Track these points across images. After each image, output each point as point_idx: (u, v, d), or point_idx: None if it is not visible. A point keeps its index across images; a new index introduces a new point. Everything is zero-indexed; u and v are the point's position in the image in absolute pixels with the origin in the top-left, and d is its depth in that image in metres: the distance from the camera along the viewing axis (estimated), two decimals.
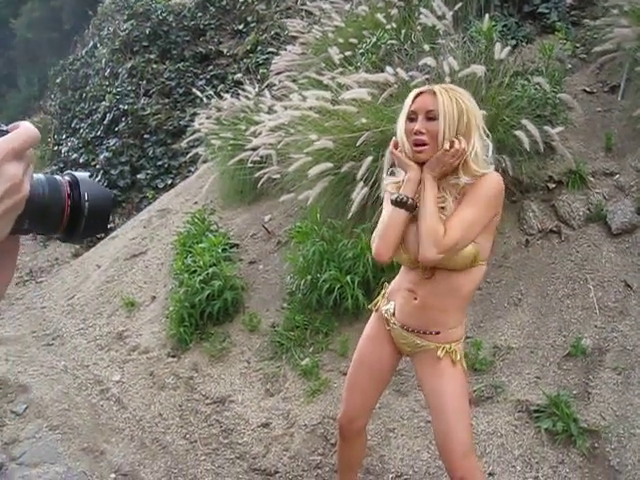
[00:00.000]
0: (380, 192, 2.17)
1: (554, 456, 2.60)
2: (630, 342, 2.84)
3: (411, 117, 1.83)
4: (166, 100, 8.38)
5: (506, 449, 2.67)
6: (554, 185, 3.64)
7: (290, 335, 3.60)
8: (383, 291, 2.12)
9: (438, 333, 1.93)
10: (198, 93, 6.06)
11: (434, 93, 1.81)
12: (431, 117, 1.79)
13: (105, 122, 8.58)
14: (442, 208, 1.82)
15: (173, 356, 4.09)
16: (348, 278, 3.36)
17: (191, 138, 5.77)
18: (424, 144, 1.80)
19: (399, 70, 3.65)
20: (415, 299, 1.92)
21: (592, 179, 3.60)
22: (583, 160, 3.65)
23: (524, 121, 3.35)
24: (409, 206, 1.81)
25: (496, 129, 3.51)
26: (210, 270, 4.03)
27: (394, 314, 1.99)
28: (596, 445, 2.57)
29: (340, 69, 4.34)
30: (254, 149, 4.14)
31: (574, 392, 2.75)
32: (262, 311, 3.97)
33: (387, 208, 1.91)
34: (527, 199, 3.60)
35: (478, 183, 1.80)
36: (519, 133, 3.35)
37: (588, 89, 4.30)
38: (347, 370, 3.29)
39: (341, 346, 3.42)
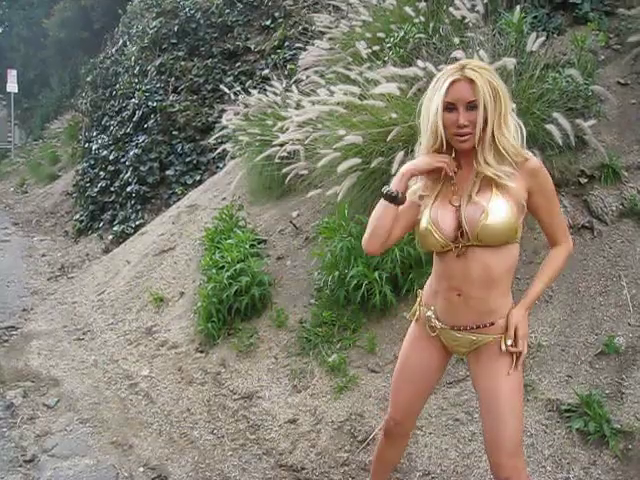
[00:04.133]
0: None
1: (586, 457, 2.55)
2: None
3: (448, 107, 1.78)
4: (194, 97, 8.42)
5: (536, 449, 2.62)
6: (586, 180, 3.56)
7: (317, 331, 3.60)
8: (418, 299, 2.07)
9: (492, 324, 1.88)
10: (225, 89, 6.07)
11: (471, 81, 1.75)
12: (471, 107, 1.76)
13: (134, 119, 8.67)
14: (470, 197, 1.82)
15: (201, 351, 4.12)
16: (376, 274, 3.34)
17: (219, 134, 5.80)
18: (469, 133, 1.78)
19: (428, 64, 3.61)
20: (459, 295, 1.86)
21: (626, 173, 3.51)
22: (616, 154, 3.56)
23: (555, 114, 3.29)
24: (399, 200, 1.85)
25: (527, 123, 3.44)
26: (238, 266, 4.05)
27: (438, 318, 1.94)
28: (630, 447, 2.51)
29: (368, 64, 4.30)
30: (282, 145, 4.14)
31: (607, 392, 2.68)
32: (290, 307, 3.98)
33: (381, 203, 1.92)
34: (558, 194, 3.47)
35: (536, 173, 1.82)
36: (550, 127, 3.28)
37: (622, 81, 4.19)
38: (374, 367, 3.33)
39: (369, 342, 3.40)
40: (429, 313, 1.96)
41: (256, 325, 4.02)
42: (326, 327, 3.58)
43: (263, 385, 3.59)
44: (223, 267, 4.17)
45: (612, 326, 2.90)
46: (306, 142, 3.88)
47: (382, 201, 1.86)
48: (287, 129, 4.10)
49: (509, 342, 1.86)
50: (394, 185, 1.85)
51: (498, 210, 1.77)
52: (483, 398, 1.94)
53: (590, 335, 2.91)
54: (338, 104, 3.73)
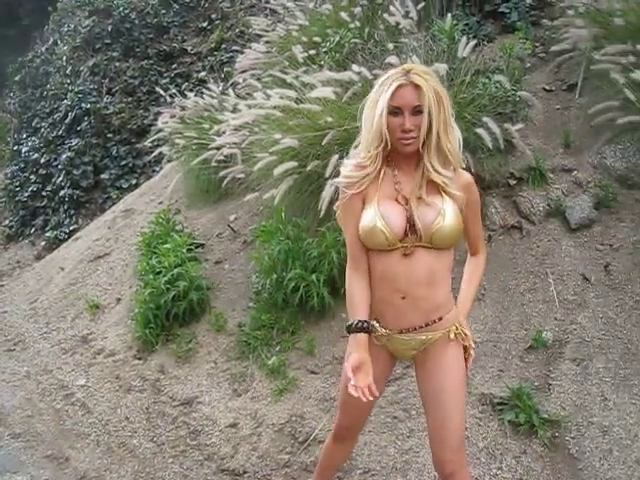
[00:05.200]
0: None
1: (517, 447, 2.66)
2: (588, 334, 2.92)
3: (394, 111, 1.79)
4: (129, 99, 8.23)
5: (471, 442, 2.71)
6: (515, 182, 3.70)
7: (257, 334, 3.60)
8: None
9: (441, 318, 1.91)
10: (161, 92, 5.98)
11: (417, 86, 1.77)
12: (416, 111, 1.78)
13: (67, 121, 8.38)
14: (420, 199, 1.85)
15: (139, 358, 4.04)
16: (314, 277, 3.37)
17: (155, 137, 5.70)
18: (413, 138, 1.81)
19: (363, 69, 3.67)
20: (403, 298, 1.87)
21: (551, 175, 3.68)
22: (543, 157, 3.73)
23: (485, 119, 3.41)
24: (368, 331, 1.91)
25: (459, 127, 3.55)
26: (175, 271, 3.99)
27: (384, 326, 1.94)
28: (556, 434, 2.64)
29: (304, 68, 4.34)
30: (218, 148, 4.12)
31: (536, 384, 2.81)
32: (228, 311, 3.95)
33: (350, 226, 1.93)
34: (489, 195, 3.66)
35: (470, 187, 1.91)
36: (480, 131, 3.40)
37: (547, 87, 4.38)
38: (314, 368, 3.37)
39: (308, 344, 3.42)
40: (373, 323, 1.95)
41: (195, 330, 3.97)
42: (265, 330, 3.58)
43: (203, 390, 3.55)
44: (160, 272, 4.10)
45: (540, 321, 3.04)
46: (243, 146, 3.87)
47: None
48: (223, 132, 4.08)
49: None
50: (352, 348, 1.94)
51: (451, 214, 1.83)
52: (430, 395, 1.97)
53: (520, 330, 3.04)
54: (274, 108, 3.75)
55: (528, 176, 3.68)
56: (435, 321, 1.91)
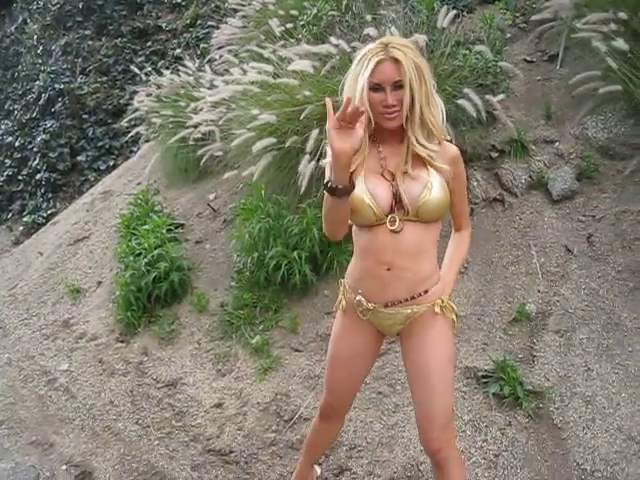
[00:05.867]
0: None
1: (502, 419, 2.66)
2: (571, 305, 2.92)
3: (375, 87, 1.75)
4: (104, 78, 8.05)
5: (456, 415, 2.71)
6: (497, 154, 3.68)
7: (239, 314, 3.56)
8: (341, 288, 2.03)
9: (427, 292, 1.87)
10: (137, 70, 5.84)
11: (397, 61, 1.73)
12: (397, 86, 1.74)
13: (40, 103, 8.20)
14: (405, 173, 1.81)
15: (122, 341, 4.00)
16: (295, 254, 3.33)
17: (131, 117, 5.58)
18: (396, 112, 1.77)
19: (341, 42, 3.60)
20: (388, 269, 1.84)
21: (533, 147, 3.65)
22: (524, 129, 3.70)
23: (466, 90, 3.36)
24: (348, 191, 1.72)
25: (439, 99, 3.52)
26: (155, 252, 3.94)
27: (369, 299, 1.91)
28: (540, 405, 2.65)
29: (281, 42, 4.25)
30: (195, 126, 4.03)
31: (520, 356, 2.81)
32: (210, 291, 3.91)
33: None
34: (471, 168, 3.63)
35: (456, 161, 1.87)
36: (462, 102, 3.35)
37: (528, 58, 4.34)
38: (298, 346, 3.34)
39: (291, 322, 3.40)
40: (359, 297, 1.92)
41: (177, 311, 3.93)
42: (248, 309, 3.55)
43: (187, 371, 3.52)
44: (140, 254, 4.04)
45: (523, 294, 3.04)
46: (220, 123, 3.79)
47: (329, 197, 1.72)
48: (200, 110, 3.99)
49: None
50: (336, 177, 1.68)
51: (437, 187, 1.80)
52: (415, 370, 1.93)
53: (504, 303, 3.04)
54: (252, 83, 3.66)
55: (510, 148, 3.65)
56: (420, 294, 1.88)
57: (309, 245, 3.33)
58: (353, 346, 2.01)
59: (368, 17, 3.82)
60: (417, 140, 1.80)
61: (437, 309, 1.90)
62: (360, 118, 1.63)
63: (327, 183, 1.71)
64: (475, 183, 3.58)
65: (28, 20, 10.18)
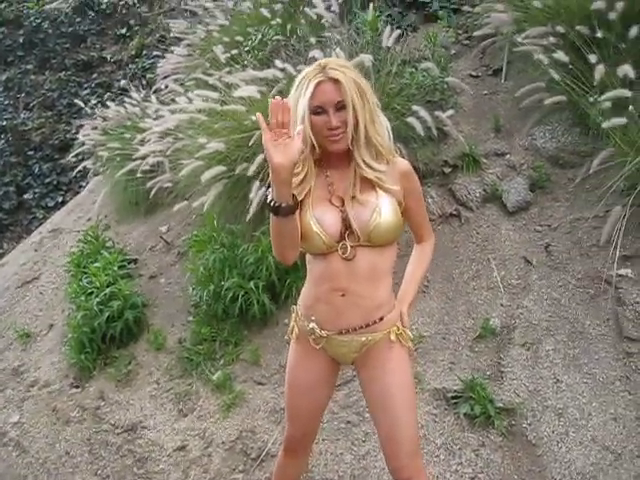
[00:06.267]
0: None
1: (475, 439, 2.60)
2: (535, 317, 2.89)
3: (317, 111, 1.69)
4: (49, 113, 7.86)
5: (428, 439, 2.64)
6: (450, 169, 3.66)
7: (198, 349, 3.43)
8: (293, 315, 1.95)
9: (382, 319, 1.81)
10: (81, 103, 5.70)
11: (336, 81, 1.67)
12: (340, 107, 1.68)
13: None
14: (354, 198, 1.74)
15: (76, 387, 3.80)
16: (252, 284, 3.23)
17: (78, 151, 5.43)
18: (342, 133, 1.71)
19: (287, 65, 3.55)
20: (342, 295, 1.77)
21: (485, 160, 3.65)
22: (475, 143, 3.71)
23: (415, 107, 3.35)
24: (292, 209, 1.64)
25: (389, 118, 3.47)
26: (107, 290, 3.78)
27: (322, 327, 1.82)
28: (513, 422, 2.59)
29: (227, 68, 4.19)
30: (143, 158, 3.91)
31: (488, 373, 2.76)
32: (167, 327, 3.76)
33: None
34: (425, 185, 3.59)
35: (407, 175, 1.81)
36: (411, 120, 3.34)
37: (473, 73, 4.38)
38: (261, 379, 3.23)
39: (252, 355, 3.28)
40: (311, 325, 1.83)
41: (134, 351, 3.76)
42: (207, 344, 3.42)
43: (147, 414, 3.36)
44: (92, 293, 3.87)
45: (487, 309, 3.00)
46: (168, 153, 3.69)
47: (274, 217, 1.64)
48: (147, 141, 3.88)
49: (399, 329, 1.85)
50: (277, 194, 1.60)
51: (387, 210, 1.73)
52: (376, 400, 1.86)
53: (467, 320, 2.99)
54: (199, 111, 3.58)
55: (462, 163, 3.64)
56: (376, 321, 1.81)
57: (266, 274, 3.23)
58: (309, 374, 1.92)
59: (313, 40, 3.78)
60: (364, 161, 1.73)
61: (393, 337, 1.83)
62: (287, 114, 1.55)
63: (270, 202, 1.62)
64: (430, 200, 3.55)
65: None
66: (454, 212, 3.49)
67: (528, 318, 2.89)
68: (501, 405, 2.63)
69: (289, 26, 4.59)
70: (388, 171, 1.76)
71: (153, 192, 3.96)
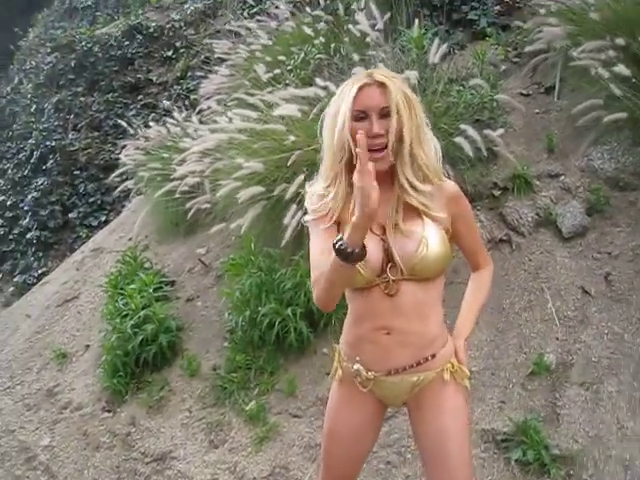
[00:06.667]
0: None
1: None
2: (594, 353, 2.64)
3: (359, 116, 1.51)
4: (96, 133, 7.96)
5: None
6: (500, 192, 3.48)
7: (233, 377, 3.29)
8: (335, 354, 1.77)
9: (434, 356, 1.63)
10: (123, 123, 5.72)
11: (383, 85, 1.51)
12: (384, 114, 1.51)
13: (32, 160, 8.10)
14: (397, 226, 1.57)
15: (108, 411, 3.71)
16: (289, 310, 3.08)
17: (120, 171, 5.42)
18: (384, 147, 1.52)
19: (328, 83, 3.43)
20: (388, 334, 1.59)
21: (538, 182, 3.45)
22: (527, 164, 3.51)
23: (463, 126, 3.18)
24: (356, 259, 1.44)
25: (436, 138, 3.34)
26: (142, 313, 3.69)
27: (369, 368, 1.64)
28: (572, 472, 2.35)
29: (269, 88, 4.11)
30: (181, 178, 3.84)
31: (542, 415, 2.52)
32: (202, 353, 3.64)
33: (318, 243, 1.60)
34: (473, 209, 3.40)
35: (456, 199, 1.65)
36: (459, 139, 3.17)
37: (524, 92, 4.21)
38: (296, 411, 3.06)
39: (288, 385, 3.12)
40: (356, 366, 1.65)
41: (167, 376, 3.65)
42: (241, 372, 3.27)
43: (177, 443, 3.23)
44: (127, 315, 3.80)
45: (540, 343, 2.77)
46: (206, 173, 3.60)
47: (337, 259, 1.43)
48: (186, 161, 3.80)
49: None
50: (353, 239, 1.41)
51: (435, 241, 1.56)
52: (429, 446, 1.67)
53: (519, 355, 2.76)
54: (238, 131, 3.49)
55: (513, 185, 3.45)
56: (427, 359, 1.62)
57: (304, 300, 3.08)
58: (353, 421, 1.73)
59: (356, 56, 3.66)
60: (409, 182, 1.55)
61: (446, 376, 1.64)
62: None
63: (340, 246, 1.42)
64: (479, 224, 3.35)
65: (24, 80, 10.26)
66: (504, 237, 3.29)
67: (587, 354, 2.64)
68: (557, 452, 2.39)
69: (333, 45, 4.51)
70: (435, 195, 1.59)
71: (191, 213, 3.87)
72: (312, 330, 3.16)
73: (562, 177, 3.45)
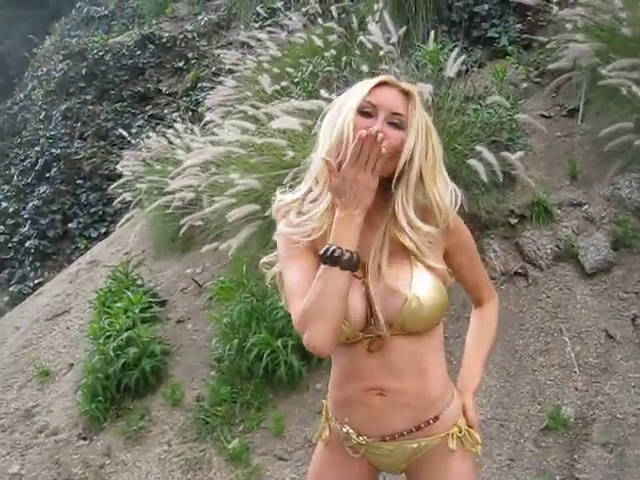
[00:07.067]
0: None
1: None
2: (620, 408, 2.34)
3: (366, 110, 1.24)
4: (102, 143, 7.80)
5: None
6: (516, 220, 3.22)
7: (216, 411, 3.02)
8: (323, 412, 1.48)
9: (437, 418, 1.35)
10: (125, 133, 5.54)
11: (407, 93, 1.27)
12: (395, 122, 1.24)
13: (37, 168, 7.97)
14: (379, 267, 1.27)
15: (84, 438, 3.45)
16: (279, 342, 2.80)
17: (120, 182, 5.22)
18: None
19: (334, 96, 3.19)
20: (381, 394, 1.31)
21: (558, 211, 3.20)
22: (547, 190, 3.25)
23: (479, 148, 2.92)
24: (350, 264, 1.18)
25: (448, 159, 3.09)
26: (125, 334, 3.43)
27: (360, 432, 1.36)
28: None
29: (275, 101, 3.89)
30: (173, 192, 3.60)
31: (557, 478, 2.22)
32: (187, 381, 3.38)
33: (298, 272, 1.28)
34: (487, 237, 3.15)
35: (456, 229, 1.35)
36: (474, 162, 2.91)
37: (546, 114, 3.97)
38: (282, 454, 2.77)
39: (275, 424, 2.84)
40: (345, 429, 1.38)
41: (148, 404, 3.39)
42: (226, 405, 3.01)
43: None
44: (111, 336, 3.55)
45: (557, 393, 2.47)
46: (200, 188, 3.36)
47: (325, 269, 1.17)
48: (180, 174, 3.57)
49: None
50: (343, 238, 1.17)
51: (426, 292, 1.27)
52: None
53: (532, 405, 2.47)
54: (233, 144, 3.25)
55: (531, 213, 3.20)
56: (429, 422, 1.34)
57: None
58: None
59: (365, 69, 3.43)
60: (407, 217, 1.24)
61: (452, 445, 1.35)
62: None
63: (325, 248, 1.17)
64: (492, 254, 3.08)
65: (37, 87, 10.21)
66: (520, 270, 3.03)
67: (611, 410, 2.34)
68: None
69: (344, 58, 4.31)
70: (435, 237, 1.29)
71: (183, 230, 3.63)
72: (304, 364, 2.88)
73: (585, 206, 3.19)
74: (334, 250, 1.16)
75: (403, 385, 1.31)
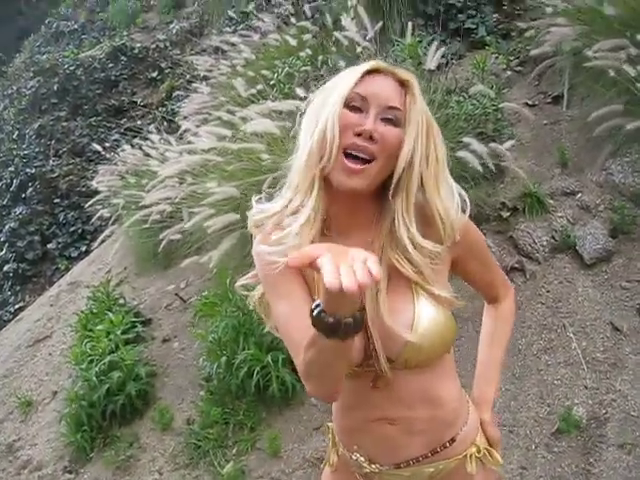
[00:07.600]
0: None
1: None
2: (633, 405, 2.22)
3: (353, 104, 1.05)
4: (77, 159, 7.62)
5: None
6: (509, 213, 3.09)
7: (208, 433, 2.85)
8: (329, 436, 1.33)
9: (454, 440, 1.21)
10: (98, 147, 5.36)
11: (404, 83, 1.07)
12: (390, 118, 1.05)
13: (12, 189, 7.74)
14: (377, 294, 1.09)
15: (70, 472, 3.28)
16: (269, 357, 2.65)
17: (96, 199, 5.04)
18: (369, 160, 1.04)
19: (311, 95, 3.05)
20: (391, 424, 1.17)
21: (552, 201, 3.07)
22: (538, 180, 3.13)
23: (467, 139, 2.78)
24: (356, 329, 0.89)
25: None
26: (108, 358, 3.26)
27: (372, 460, 1.21)
28: None
29: (251, 105, 3.75)
30: (152, 205, 3.44)
31: None
32: (176, 403, 3.21)
33: (287, 305, 1.09)
34: None
35: (466, 232, 1.18)
36: (464, 154, 2.77)
37: (530, 102, 3.86)
38: (279, 475, 2.60)
39: (271, 444, 2.68)
40: (355, 457, 1.22)
41: (137, 430, 3.22)
42: (218, 427, 2.84)
43: None
44: (93, 360, 3.37)
45: (566, 392, 2.34)
46: (177, 200, 3.20)
47: (323, 340, 0.90)
48: (156, 187, 3.40)
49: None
50: (336, 305, 0.85)
51: (430, 323, 1.10)
52: None
53: (541, 407, 2.33)
54: (212, 150, 3.10)
55: (524, 205, 3.08)
56: (446, 446, 1.20)
57: None
58: None
59: (342, 63, 3.30)
60: (409, 233, 1.06)
61: (471, 468, 1.20)
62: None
63: (316, 311, 0.88)
64: None
65: (8, 106, 9.99)
66: (517, 265, 2.89)
67: (624, 407, 2.21)
68: None
69: (320, 57, 4.18)
70: (439, 254, 1.11)
71: (163, 244, 3.46)
72: (297, 378, 2.72)
73: (579, 194, 3.07)
74: (328, 320, 0.86)
75: (414, 414, 1.16)
